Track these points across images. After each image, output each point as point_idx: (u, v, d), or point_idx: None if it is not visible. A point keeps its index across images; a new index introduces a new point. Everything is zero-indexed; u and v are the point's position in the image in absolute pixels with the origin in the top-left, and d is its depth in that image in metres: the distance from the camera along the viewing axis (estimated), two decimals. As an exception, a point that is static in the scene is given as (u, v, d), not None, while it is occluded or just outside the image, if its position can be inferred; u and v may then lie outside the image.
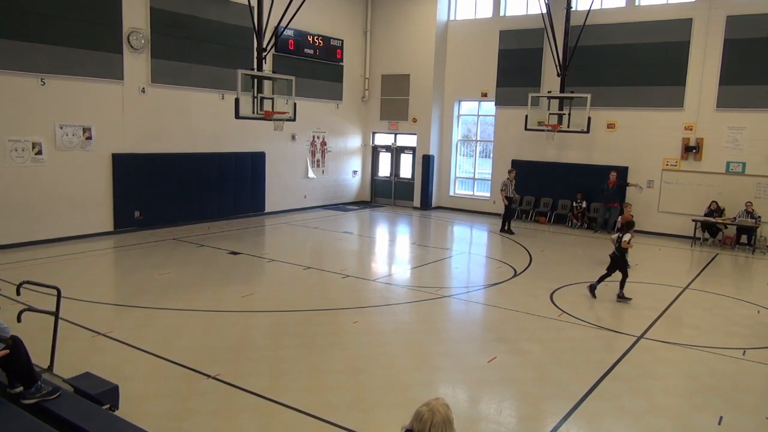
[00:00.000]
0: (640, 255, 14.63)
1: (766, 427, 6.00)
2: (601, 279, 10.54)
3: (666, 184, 17.33)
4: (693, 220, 16.33)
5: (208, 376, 6.57)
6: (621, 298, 10.32)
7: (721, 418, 6.09)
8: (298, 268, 11.81)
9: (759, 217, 15.61)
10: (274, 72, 16.51)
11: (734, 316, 9.88)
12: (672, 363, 7.67)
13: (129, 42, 14.07)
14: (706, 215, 16.29)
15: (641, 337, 8.49)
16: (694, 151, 16.84)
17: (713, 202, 16.33)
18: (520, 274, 12.09)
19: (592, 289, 10.51)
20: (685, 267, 13.90)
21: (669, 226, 17.15)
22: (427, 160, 20.89)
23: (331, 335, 8.13)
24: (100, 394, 5.15)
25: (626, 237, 10.23)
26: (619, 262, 10.41)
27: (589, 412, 6.13)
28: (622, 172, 17.67)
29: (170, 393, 6.18)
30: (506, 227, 16.98)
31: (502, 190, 17.17)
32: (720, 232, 16.35)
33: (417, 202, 21.21)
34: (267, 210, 18.19)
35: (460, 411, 5.99)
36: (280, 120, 14.63)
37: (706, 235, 16.35)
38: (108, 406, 5.14)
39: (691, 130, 16.89)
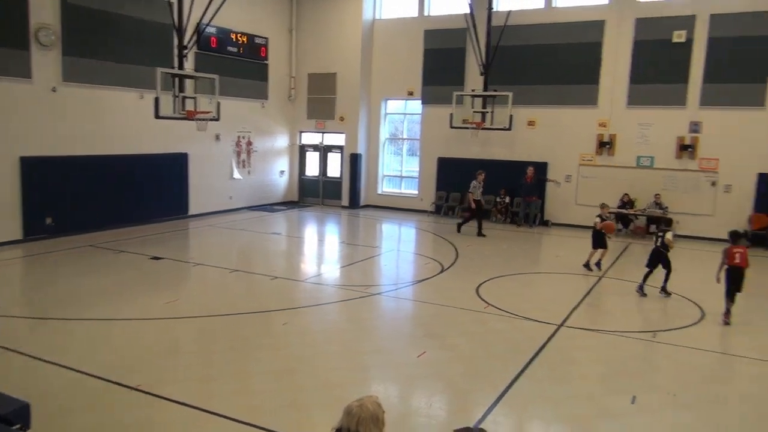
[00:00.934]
0: (560, 247, 15.29)
1: (672, 402, 6.42)
2: (646, 276, 10.84)
3: (582, 178, 18.16)
4: (597, 217, 17.16)
5: (130, 387, 6.34)
6: (663, 291, 10.61)
7: (634, 397, 6.46)
8: (224, 272, 11.57)
9: (666, 207, 16.66)
10: (196, 70, 16.09)
11: (645, 302, 10.49)
12: (590, 349, 8.06)
13: (37, 38, 13.31)
14: (619, 207, 17.19)
15: (561, 325, 8.87)
16: (607, 146, 17.72)
17: (625, 194, 17.26)
18: (447, 269, 12.34)
19: (641, 288, 10.75)
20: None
21: (586, 218, 17.88)
22: (355, 159, 20.94)
23: (260, 338, 8.03)
24: (9, 414, 4.86)
25: (669, 236, 10.70)
26: (662, 258, 10.68)
27: (514, 401, 6.36)
28: (542, 167, 18.36)
29: (88, 407, 5.93)
30: (477, 230, 16.38)
31: (470, 192, 16.82)
32: (632, 222, 17.31)
33: (345, 201, 21.23)
34: (191, 212, 17.70)
35: (392, 406, 6.05)
36: (203, 120, 14.29)
37: (620, 225, 17.25)
38: (18, 426, 4.86)
39: (604, 126, 17.76)
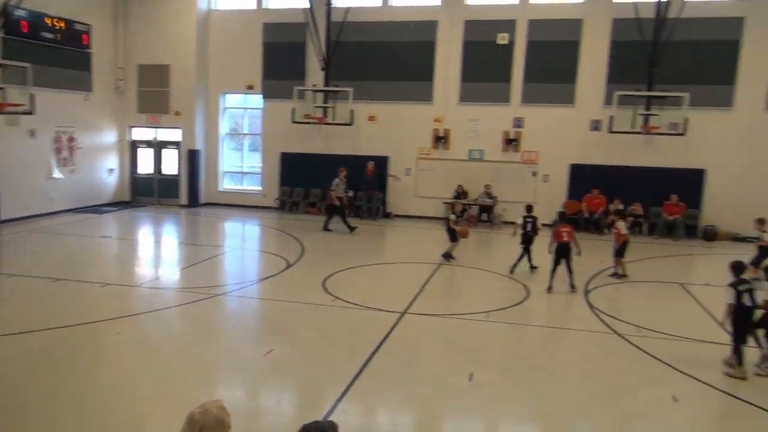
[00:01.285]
0: (403, 237, 15.90)
1: (505, 376, 6.98)
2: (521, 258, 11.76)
3: (421, 171, 19.03)
4: (444, 203, 18.23)
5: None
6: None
7: (471, 375, 6.93)
8: (46, 282, 10.45)
9: (496, 197, 18.04)
10: (3, 58, 14.31)
11: (479, 284, 11.30)
12: (431, 333, 8.50)
13: None
14: (454, 198, 18.28)
15: (405, 312, 9.25)
16: (443, 140, 18.74)
17: (459, 185, 18.41)
18: (293, 265, 12.28)
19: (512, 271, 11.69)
20: (439, 245, 15.41)
21: (425, 209, 18.88)
22: (193, 155, 20.01)
23: (91, 352, 7.39)
24: None
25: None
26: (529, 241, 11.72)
27: (362, 390, 6.50)
28: (384, 161, 18.94)
29: None
30: (348, 226, 16.24)
31: (332, 189, 16.57)
32: (465, 211, 18.49)
33: (184, 199, 20.21)
34: (3, 218, 15.74)
35: (239, 408, 5.91)
36: (14, 113, 12.77)
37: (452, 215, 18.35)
38: None
39: (440, 122, 18.75)
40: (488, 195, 18.05)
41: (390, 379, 6.80)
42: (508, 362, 7.38)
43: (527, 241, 11.83)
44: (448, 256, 12.84)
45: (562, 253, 10.66)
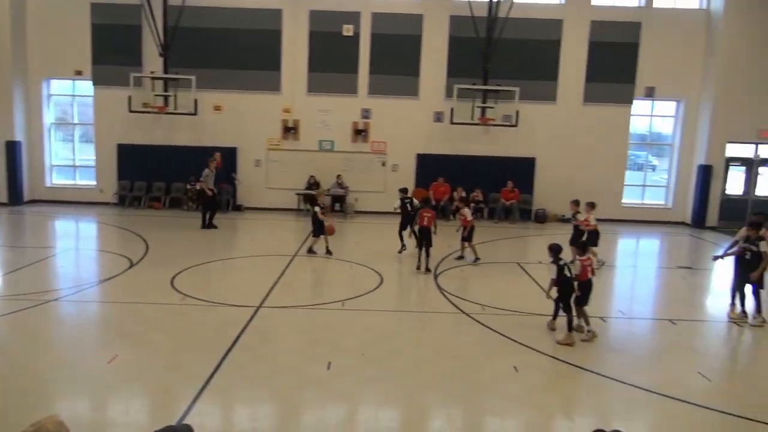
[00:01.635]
0: (255, 230, 15.56)
1: (363, 362, 7.15)
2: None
3: (271, 162, 18.74)
4: (296, 194, 18.14)
5: None
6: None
7: (329, 363, 7.00)
8: None
9: (347, 187, 18.31)
10: None
11: (334, 274, 11.43)
12: (288, 324, 8.44)
13: None
14: (306, 189, 18.27)
15: (260, 306, 9.09)
16: (292, 131, 18.59)
17: (311, 176, 18.42)
18: (137, 264, 11.51)
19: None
20: (293, 236, 15.36)
21: (277, 200, 18.65)
22: (13, 148, 17.91)
23: None
24: None
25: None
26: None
27: (218, 388, 6.29)
28: (232, 152, 18.36)
29: None
30: (207, 222, 15.41)
31: (201, 180, 15.50)
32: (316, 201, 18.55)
33: (3, 197, 18.05)
34: None
35: (82, 422, 5.44)
36: None
37: (308, 206, 18.32)
38: None
39: (289, 112, 18.57)
40: (340, 185, 18.26)
41: (248, 374, 6.66)
42: (364, 348, 7.55)
43: (410, 220, 12.47)
44: (312, 251, 12.68)
45: (424, 236, 11.46)
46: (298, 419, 5.83)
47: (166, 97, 17.19)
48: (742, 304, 9.18)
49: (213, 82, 18.09)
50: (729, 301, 9.38)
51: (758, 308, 9.04)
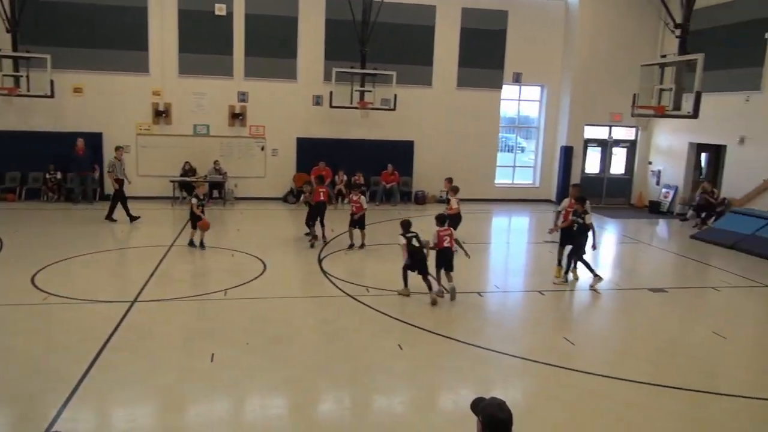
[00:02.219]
0: (126, 221, 14.63)
1: (248, 350, 7.01)
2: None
3: (142, 148, 17.67)
4: (171, 181, 17.27)
5: None
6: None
7: (213, 355, 6.79)
8: None
9: (225, 172, 17.71)
10: None
11: (214, 263, 11.06)
12: (167, 318, 8.06)
13: None
14: (181, 175, 17.44)
15: (135, 301, 8.60)
16: (164, 115, 17.61)
17: (186, 162, 17.60)
18: (-10, 262, 10.44)
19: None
20: (169, 226, 14.63)
21: (150, 188, 17.62)
22: None
23: None
24: None
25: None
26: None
27: (91, 391, 5.89)
28: (97, 138, 17.08)
29: None
30: (111, 215, 14.37)
31: (109, 171, 14.31)
32: (194, 189, 17.78)
33: None
34: None
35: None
36: None
37: (184, 193, 17.53)
38: None
39: (159, 95, 17.55)
40: (218, 171, 17.62)
41: (124, 373, 6.29)
42: (249, 337, 7.39)
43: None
44: (192, 244, 11.95)
45: (318, 210, 12.39)
46: (180, 415, 5.60)
47: (17, 78, 15.60)
48: (569, 269, 10.30)
49: (72, 61, 16.66)
50: (568, 267, 10.45)
51: (592, 272, 10.08)
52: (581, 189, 10.78)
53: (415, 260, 8.95)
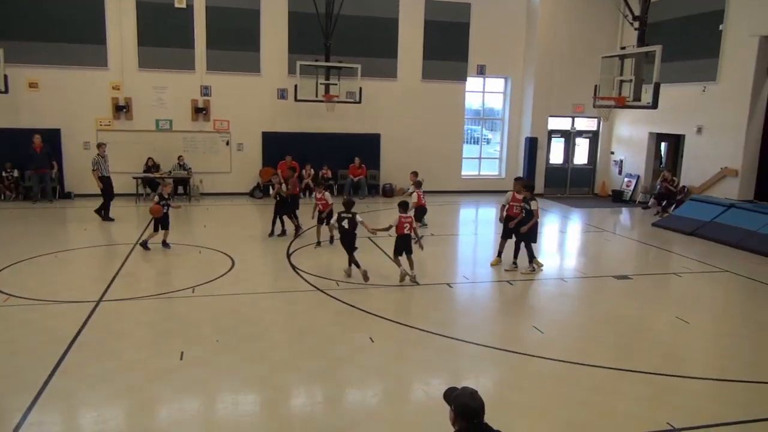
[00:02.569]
0: (88, 220, 14.31)
1: (218, 348, 6.94)
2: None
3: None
4: (134, 178, 16.92)
5: None
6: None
7: (182, 353, 6.70)
8: None
9: (190, 168, 17.43)
10: None
11: (181, 260, 10.88)
12: (134, 317, 7.91)
13: None
14: (145, 171, 17.10)
15: (100, 300, 8.42)
16: (124, 110, 17.22)
17: (150, 158, 17.26)
18: (-55, 264, 10.07)
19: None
20: (133, 223, 14.33)
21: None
22: None
23: None
24: None
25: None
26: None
27: (57, 392, 5.76)
28: (55, 134, 16.62)
29: None
30: (103, 212, 14.21)
31: (94, 169, 14.00)
32: (159, 186, 17.45)
33: None
34: None
35: None
36: None
37: (148, 190, 17.22)
38: None
39: (118, 89, 17.15)
40: (182, 167, 17.33)
41: (90, 374, 6.16)
42: (218, 335, 7.31)
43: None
44: (145, 245, 11.44)
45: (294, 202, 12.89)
46: (150, 415, 5.52)
47: (-32, 73, 15.07)
48: (532, 259, 10.57)
49: (27, 55, 16.15)
50: (500, 254, 10.96)
51: (531, 258, 10.50)
52: (525, 182, 11.08)
53: (343, 240, 9.85)
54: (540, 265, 10.65)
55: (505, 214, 10.75)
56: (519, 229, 10.38)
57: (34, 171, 16.17)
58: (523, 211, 10.35)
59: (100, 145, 14.38)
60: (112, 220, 14.14)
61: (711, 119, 16.25)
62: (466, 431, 3.16)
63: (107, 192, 14.23)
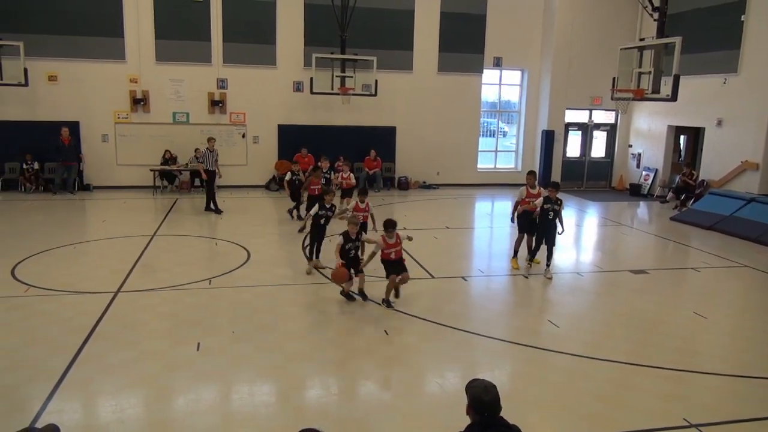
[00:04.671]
0: (106, 211, 14.49)
1: (234, 339, 7.00)
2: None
3: (121, 137, 17.42)
4: (151, 170, 17.07)
5: None
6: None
7: (198, 344, 6.77)
8: None
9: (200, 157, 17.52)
10: None
11: (198, 252, 10.99)
12: (151, 308, 8.00)
13: None
14: (162, 164, 17.24)
15: (118, 291, 8.52)
16: (142, 103, 17.35)
17: (167, 151, 17.40)
18: (-33, 254, 10.26)
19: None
20: (151, 215, 14.48)
21: (130, 178, 17.44)
22: None
23: None
24: None
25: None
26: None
27: (76, 382, 5.85)
28: (74, 127, 16.81)
29: None
30: (207, 204, 14.44)
31: (201, 161, 14.15)
32: (176, 178, 17.64)
33: None
34: None
35: None
36: None
37: (165, 182, 17.37)
38: None
39: (136, 82, 17.28)
40: (198, 159, 17.41)
41: (109, 363, 6.25)
42: (234, 325, 7.38)
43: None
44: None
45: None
46: (168, 404, 5.59)
47: (-13, 67, 15.28)
48: (535, 254, 10.13)
49: (46, 49, 16.32)
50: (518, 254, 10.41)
51: (549, 260, 9.90)
52: (536, 176, 10.53)
53: (314, 235, 9.91)
54: (536, 262, 10.27)
55: (518, 212, 10.25)
56: (538, 225, 9.95)
57: (61, 163, 16.36)
58: (550, 212, 9.66)
59: (210, 140, 14.41)
60: (221, 212, 14.38)
61: (732, 112, 16.00)
62: (479, 424, 3.15)
63: (210, 185, 14.32)
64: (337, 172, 14.14)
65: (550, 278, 9.79)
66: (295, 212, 13.71)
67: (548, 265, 9.94)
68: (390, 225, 8.28)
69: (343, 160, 14.96)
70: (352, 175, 13.47)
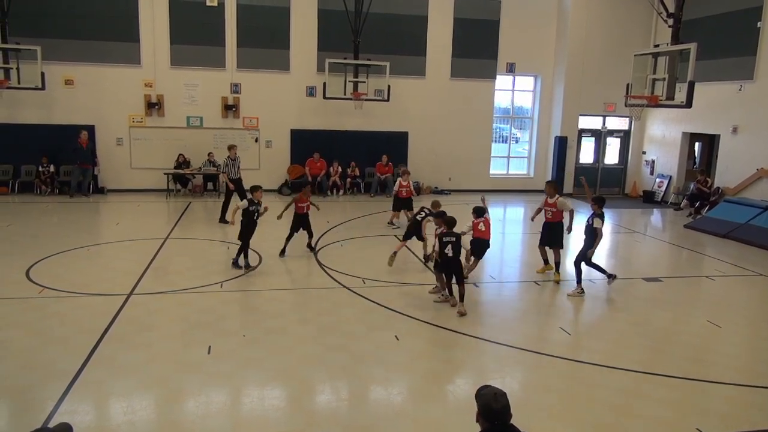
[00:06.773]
0: (120, 214, 14.61)
1: (244, 343, 7.02)
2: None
3: (135, 141, 17.59)
4: (165, 174, 17.21)
5: None
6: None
7: (210, 347, 6.80)
8: None
9: (219, 165, 17.59)
10: None
11: (210, 255, 11.04)
12: (163, 311, 8.05)
13: None
14: (175, 168, 17.37)
15: (131, 294, 8.58)
16: (156, 107, 17.51)
17: (180, 154, 17.52)
18: (-17, 256, 10.38)
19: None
20: (164, 218, 14.59)
21: (143, 181, 17.58)
22: None
23: None
24: None
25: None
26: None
27: (88, 382, 5.89)
28: (90, 130, 16.98)
29: None
30: (221, 216, 13.73)
31: (224, 171, 13.52)
32: (189, 182, 17.76)
33: None
34: None
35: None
36: None
37: (178, 186, 17.50)
38: None
39: (151, 86, 17.45)
40: (212, 163, 17.54)
41: (121, 365, 6.29)
42: (245, 329, 7.41)
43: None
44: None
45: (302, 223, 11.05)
46: (178, 406, 5.61)
47: (6, 70, 15.47)
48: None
49: (63, 53, 16.53)
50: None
51: (579, 280, 9.38)
52: (556, 185, 10.49)
53: (447, 267, 8.32)
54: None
55: (536, 215, 10.43)
56: (553, 237, 9.94)
57: (78, 165, 16.52)
58: (588, 227, 9.17)
59: (231, 148, 13.69)
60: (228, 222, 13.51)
61: (747, 119, 15.84)
62: (489, 432, 3.13)
63: (239, 193, 13.40)
64: (396, 177, 13.88)
65: (558, 282, 9.80)
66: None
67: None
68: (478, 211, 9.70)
69: (405, 168, 14.82)
70: (411, 184, 13.34)
